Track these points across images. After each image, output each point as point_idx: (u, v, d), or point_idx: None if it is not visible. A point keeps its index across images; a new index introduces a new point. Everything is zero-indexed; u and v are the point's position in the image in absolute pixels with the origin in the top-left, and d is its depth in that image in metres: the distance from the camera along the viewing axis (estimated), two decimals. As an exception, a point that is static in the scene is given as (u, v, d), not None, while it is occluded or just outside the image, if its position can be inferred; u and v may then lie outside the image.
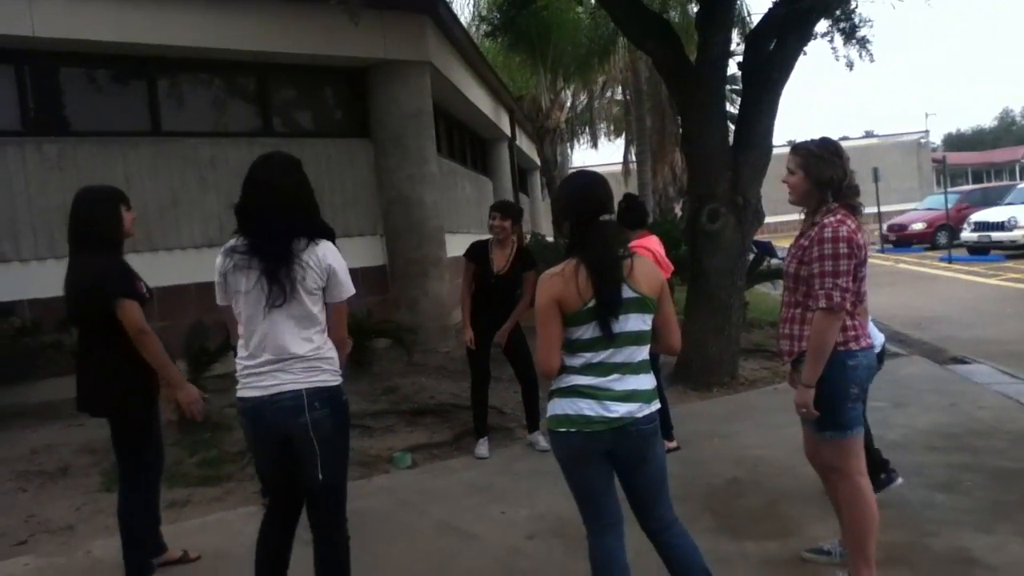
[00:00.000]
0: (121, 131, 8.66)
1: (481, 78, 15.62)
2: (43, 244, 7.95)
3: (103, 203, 3.76)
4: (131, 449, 3.81)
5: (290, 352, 2.98)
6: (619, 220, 5.09)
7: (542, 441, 5.84)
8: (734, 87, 19.85)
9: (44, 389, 7.56)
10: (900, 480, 4.47)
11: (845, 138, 41.30)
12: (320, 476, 3.01)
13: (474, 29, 16.80)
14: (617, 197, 4.10)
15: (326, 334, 3.09)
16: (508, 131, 19.81)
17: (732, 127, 8.14)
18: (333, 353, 3.10)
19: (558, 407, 2.83)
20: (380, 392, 7.78)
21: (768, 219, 8.23)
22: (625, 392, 2.80)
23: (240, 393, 3.06)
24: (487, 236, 5.88)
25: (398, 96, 10.27)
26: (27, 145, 8.01)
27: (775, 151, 7.45)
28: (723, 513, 4.47)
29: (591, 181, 2.96)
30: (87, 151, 8.31)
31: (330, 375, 3.05)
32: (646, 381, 2.86)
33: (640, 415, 2.81)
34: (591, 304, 2.74)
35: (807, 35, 7.63)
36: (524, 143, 23.34)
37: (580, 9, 16.74)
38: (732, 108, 14.58)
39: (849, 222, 3.27)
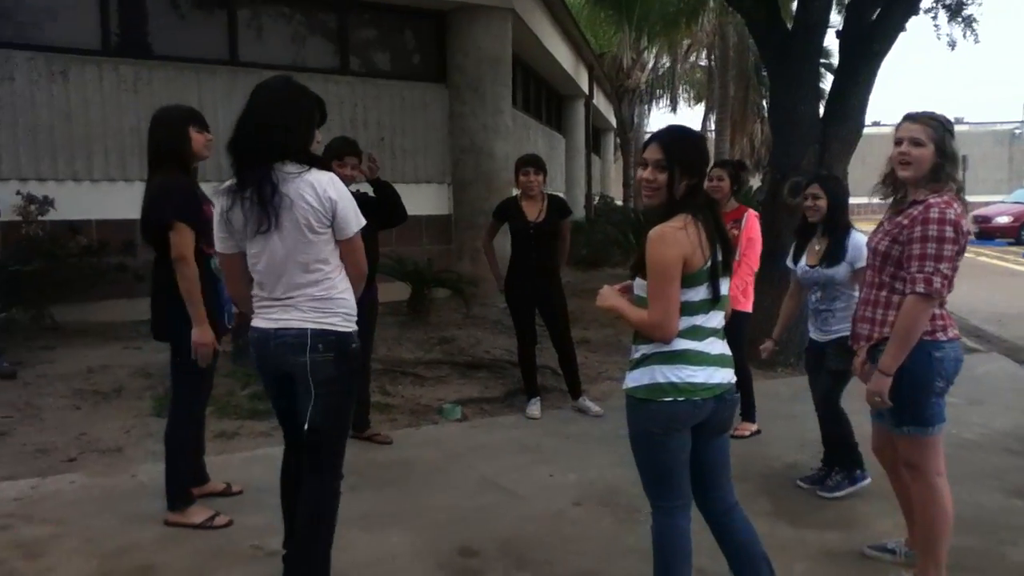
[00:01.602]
0: (198, 58, 8.64)
1: (563, 30, 15.27)
2: (114, 165, 8.00)
3: (171, 123, 3.66)
4: (185, 378, 3.75)
5: (299, 289, 2.84)
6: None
7: (593, 407, 5.69)
8: (825, 62, 19.11)
9: (106, 309, 7.66)
10: (868, 481, 4.29)
11: (877, 123, 39.45)
12: (309, 421, 2.87)
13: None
14: None
15: (342, 274, 2.92)
16: (586, 88, 19.44)
17: (822, 103, 7.77)
18: (348, 295, 2.93)
19: (658, 374, 2.62)
20: (435, 342, 7.71)
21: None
22: (721, 357, 2.69)
23: (252, 322, 2.97)
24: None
25: (478, 41, 10.06)
26: (105, 65, 8.03)
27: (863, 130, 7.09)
28: (781, 497, 4.26)
29: (700, 134, 2.86)
30: (163, 75, 8.31)
31: (342, 319, 2.89)
32: (727, 346, 2.76)
33: (732, 380, 2.71)
34: (708, 264, 2.59)
35: (914, 7, 7.18)
36: (601, 102, 22.92)
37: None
38: (824, 84, 14.02)
39: (956, 206, 3.00)
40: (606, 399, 6.11)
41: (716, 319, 2.69)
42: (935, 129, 3.03)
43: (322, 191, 2.79)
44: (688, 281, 2.58)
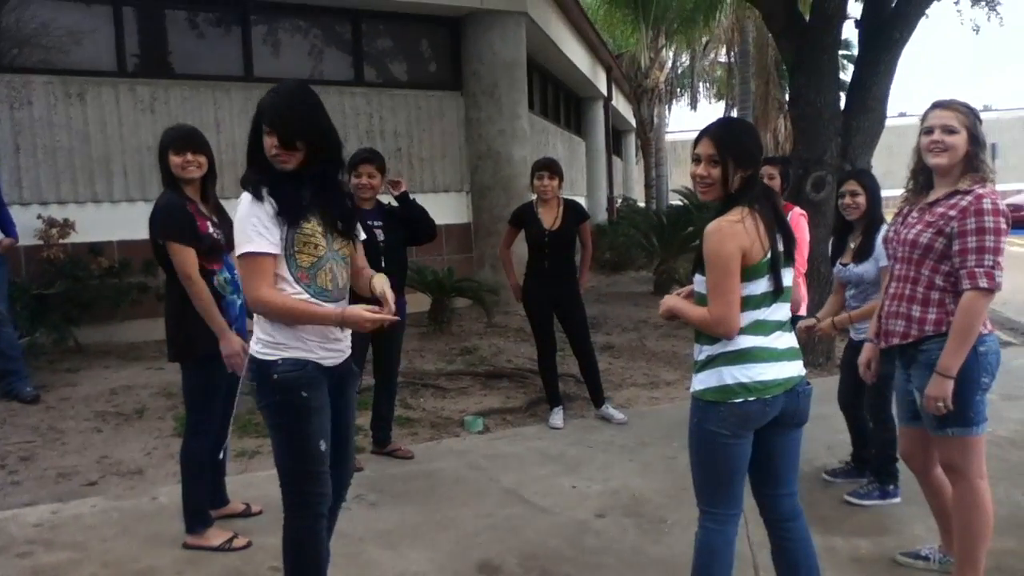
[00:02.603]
0: (213, 75, 8.67)
1: (579, 32, 15.21)
2: (134, 185, 8.04)
3: (159, 147, 3.68)
4: (195, 396, 3.73)
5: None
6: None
7: (616, 414, 5.60)
8: (845, 53, 18.87)
9: (129, 330, 7.70)
10: (898, 500, 4.16)
11: (903, 114, 38.82)
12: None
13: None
14: None
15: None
16: (604, 90, 19.35)
17: (843, 96, 7.63)
18: (263, 320, 2.72)
19: (727, 375, 2.55)
20: (457, 352, 7.66)
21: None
22: (789, 350, 2.62)
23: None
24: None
25: (493, 47, 10.02)
26: (121, 86, 8.07)
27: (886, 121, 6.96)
28: (810, 502, 4.10)
29: (756, 128, 2.84)
30: (179, 94, 8.34)
31: (262, 346, 2.70)
32: (795, 338, 2.70)
33: (803, 373, 2.65)
34: (769, 256, 2.53)
35: (935, -7, 7.05)
36: (620, 103, 22.81)
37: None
38: (844, 76, 13.84)
39: (997, 196, 2.93)
40: (631, 406, 6.02)
41: (781, 312, 2.63)
42: (967, 115, 2.94)
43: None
44: (749, 274, 2.53)
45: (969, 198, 2.89)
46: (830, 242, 4.43)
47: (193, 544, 3.70)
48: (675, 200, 15.44)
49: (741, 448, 2.60)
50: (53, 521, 4.04)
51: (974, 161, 2.94)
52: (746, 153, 2.58)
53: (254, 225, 2.62)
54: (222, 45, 8.93)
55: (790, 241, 2.62)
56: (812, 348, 7.02)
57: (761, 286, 2.55)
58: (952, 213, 2.91)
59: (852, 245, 4.16)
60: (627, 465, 4.79)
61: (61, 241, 7.38)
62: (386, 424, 4.97)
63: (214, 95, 8.53)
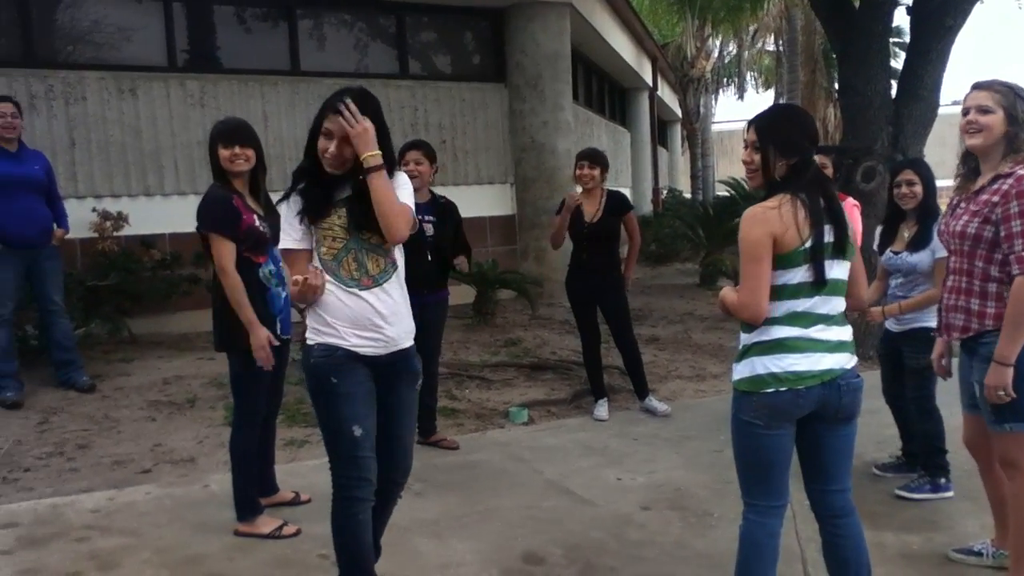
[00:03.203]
0: (261, 69, 8.78)
1: (624, 23, 15.09)
2: (184, 179, 8.19)
3: (209, 140, 3.74)
4: (240, 387, 3.81)
5: None
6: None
7: (660, 407, 5.58)
8: (897, 40, 18.47)
9: (180, 321, 7.84)
10: (951, 494, 4.08)
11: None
12: None
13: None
14: None
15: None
16: (650, 80, 19.19)
17: (894, 84, 7.48)
18: (312, 307, 2.85)
19: (759, 365, 2.55)
20: (501, 344, 7.68)
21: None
22: (833, 342, 2.56)
23: None
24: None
25: (536, 38, 10.00)
26: (171, 81, 8.21)
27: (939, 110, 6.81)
28: (859, 497, 4.02)
29: (804, 112, 2.74)
30: (227, 88, 8.46)
31: (307, 331, 2.86)
32: (847, 332, 2.61)
33: (848, 366, 2.57)
34: (808, 244, 2.48)
35: (991, -24, 6.87)
36: (666, 94, 22.62)
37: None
38: (895, 63, 13.58)
39: None
40: (676, 399, 5.98)
41: (826, 305, 2.56)
42: (1004, 95, 2.86)
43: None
44: (782, 262, 2.50)
45: (1010, 180, 2.82)
46: (878, 231, 4.35)
47: (243, 531, 3.77)
48: (722, 191, 15.27)
49: (778, 440, 2.57)
50: (109, 507, 4.14)
51: (1015, 142, 2.85)
52: (788, 141, 2.56)
53: (284, 221, 2.82)
54: (269, 40, 9.04)
55: (842, 233, 2.55)
56: (862, 340, 6.91)
57: (798, 276, 2.51)
58: (995, 199, 2.85)
59: (906, 234, 4.09)
60: (672, 458, 4.77)
61: (115, 234, 7.54)
62: (430, 413, 5.00)
63: (262, 89, 8.64)
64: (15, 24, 7.74)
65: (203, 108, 8.25)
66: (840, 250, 2.56)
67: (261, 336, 3.59)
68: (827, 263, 2.52)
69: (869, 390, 5.66)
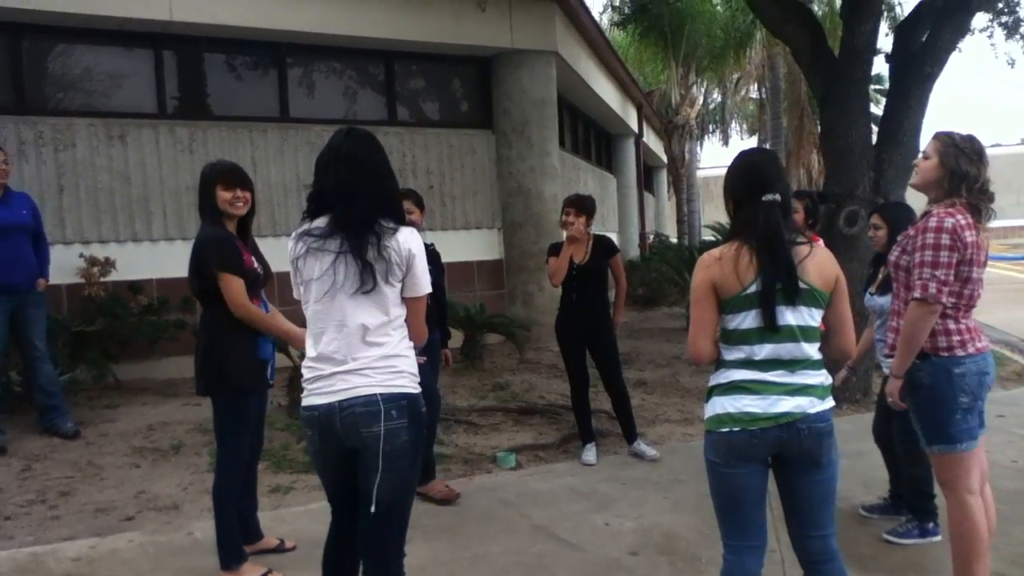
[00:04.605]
0: (250, 116, 8.85)
1: (609, 71, 15.31)
2: (172, 225, 8.20)
3: (203, 182, 3.72)
4: (225, 430, 3.78)
5: (363, 351, 2.63)
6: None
7: (649, 451, 5.56)
8: (878, 87, 18.81)
9: (167, 366, 7.81)
10: (939, 538, 4.04)
11: (998, 144, 38.33)
12: (383, 494, 2.63)
13: (604, 20, 16.52)
14: None
15: (406, 332, 2.75)
16: (635, 127, 19.42)
17: (875, 129, 7.61)
18: (411, 354, 2.73)
19: (718, 405, 2.61)
20: (489, 388, 7.65)
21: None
22: (795, 386, 2.56)
23: (306, 401, 2.70)
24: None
25: (523, 85, 10.15)
26: (161, 128, 8.27)
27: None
28: (846, 539, 4.03)
29: (758, 159, 2.78)
30: (217, 135, 8.52)
31: (409, 380, 2.69)
32: (819, 377, 2.61)
33: (812, 411, 2.55)
34: (751, 290, 2.53)
35: (964, 28, 7.03)
36: (651, 140, 22.87)
37: None
38: (876, 110, 13.82)
39: (959, 216, 3.08)
40: (663, 442, 5.97)
41: (789, 349, 2.55)
42: (944, 144, 3.18)
43: (404, 241, 2.67)
44: (727, 306, 2.58)
45: (924, 217, 3.18)
46: (867, 275, 4.44)
47: (227, 579, 3.72)
48: (708, 235, 15.38)
49: (741, 479, 2.60)
50: (91, 555, 4.09)
51: (952, 188, 3.14)
52: (730, 187, 2.71)
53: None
54: (259, 87, 9.13)
55: (791, 281, 2.52)
56: (848, 384, 6.93)
57: (747, 320, 2.56)
58: (912, 233, 3.20)
59: (880, 276, 4.19)
60: (660, 502, 4.75)
61: (102, 279, 7.53)
62: (427, 466, 4.92)
63: (251, 135, 8.70)
64: (6, 71, 7.80)
65: (192, 154, 8.29)
66: (788, 297, 2.53)
67: (301, 332, 3.29)
68: (779, 309, 2.53)
69: (855, 432, 5.68)
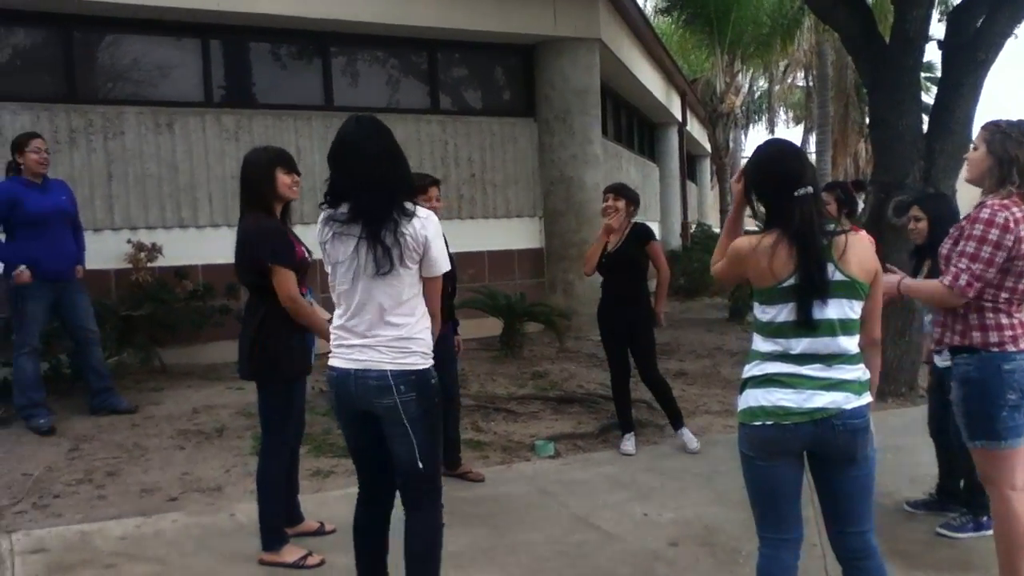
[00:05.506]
0: (295, 104, 8.92)
1: (653, 58, 15.16)
2: (218, 211, 8.31)
3: (259, 165, 3.72)
4: (272, 417, 3.82)
5: (380, 330, 2.87)
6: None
7: (692, 442, 5.51)
8: (928, 75, 18.41)
9: (211, 351, 7.92)
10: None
11: None
12: (419, 461, 2.90)
13: (648, 7, 16.35)
14: None
15: (423, 311, 2.95)
16: (679, 115, 19.23)
17: (926, 118, 7.45)
18: (426, 334, 2.94)
19: (751, 398, 2.60)
20: (528, 377, 7.66)
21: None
22: (830, 381, 2.51)
23: (330, 362, 2.98)
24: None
25: (565, 73, 10.09)
26: (207, 116, 8.37)
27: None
28: (891, 536, 3.99)
29: (782, 150, 2.68)
30: (262, 123, 8.61)
31: (420, 357, 2.90)
32: (856, 372, 2.55)
33: (848, 407, 2.50)
34: (787, 283, 2.48)
35: (1021, 13, 6.83)
36: (695, 128, 22.62)
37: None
38: (927, 98, 13.52)
39: (1015, 210, 3.01)
40: (704, 434, 5.91)
41: (821, 344, 2.51)
42: (991, 133, 3.10)
43: (420, 226, 2.85)
44: (762, 298, 2.56)
45: (977, 208, 3.10)
46: (911, 266, 4.33)
47: (268, 561, 3.78)
48: (750, 226, 15.19)
49: (775, 472, 2.59)
50: (136, 535, 4.17)
51: (1004, 176, 3.07)
52: (756, 183, 2.67)
53: None
54: (303, 75, 9.20)
55: (816, 272, 2.48)
56: (894, 377, 6.82)
57: (782, 314, 2.52)
58: (964, 223, 3.14)
59: (924, 270, 4.09)
60: (701, 493, 4.72)
61: (149, 265, 7.66)
62: (453, 446, 4.97)
63: (295, 124, 8.77)
64: (59, 62, 7.96)
65: (238, 142, 8.38)
66: (821, 292, 2.49)
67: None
68: (816, 304, 2.48)
69: (901, 427, 5.58)
